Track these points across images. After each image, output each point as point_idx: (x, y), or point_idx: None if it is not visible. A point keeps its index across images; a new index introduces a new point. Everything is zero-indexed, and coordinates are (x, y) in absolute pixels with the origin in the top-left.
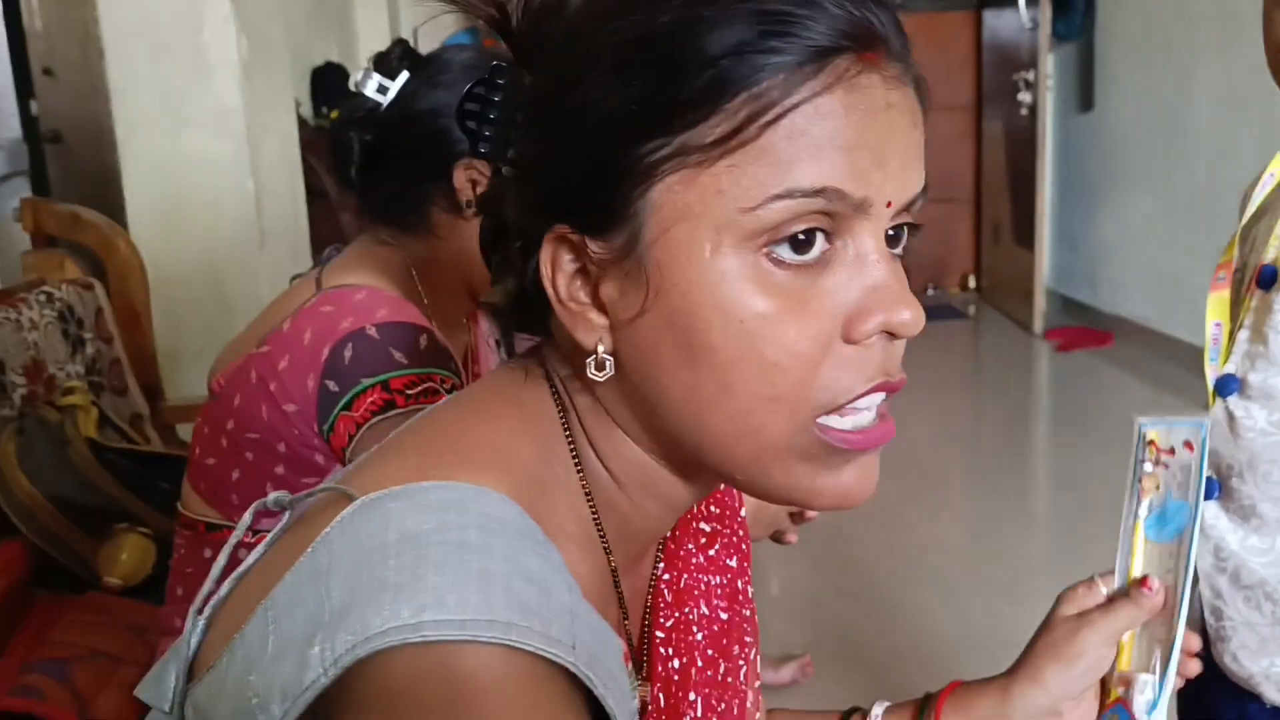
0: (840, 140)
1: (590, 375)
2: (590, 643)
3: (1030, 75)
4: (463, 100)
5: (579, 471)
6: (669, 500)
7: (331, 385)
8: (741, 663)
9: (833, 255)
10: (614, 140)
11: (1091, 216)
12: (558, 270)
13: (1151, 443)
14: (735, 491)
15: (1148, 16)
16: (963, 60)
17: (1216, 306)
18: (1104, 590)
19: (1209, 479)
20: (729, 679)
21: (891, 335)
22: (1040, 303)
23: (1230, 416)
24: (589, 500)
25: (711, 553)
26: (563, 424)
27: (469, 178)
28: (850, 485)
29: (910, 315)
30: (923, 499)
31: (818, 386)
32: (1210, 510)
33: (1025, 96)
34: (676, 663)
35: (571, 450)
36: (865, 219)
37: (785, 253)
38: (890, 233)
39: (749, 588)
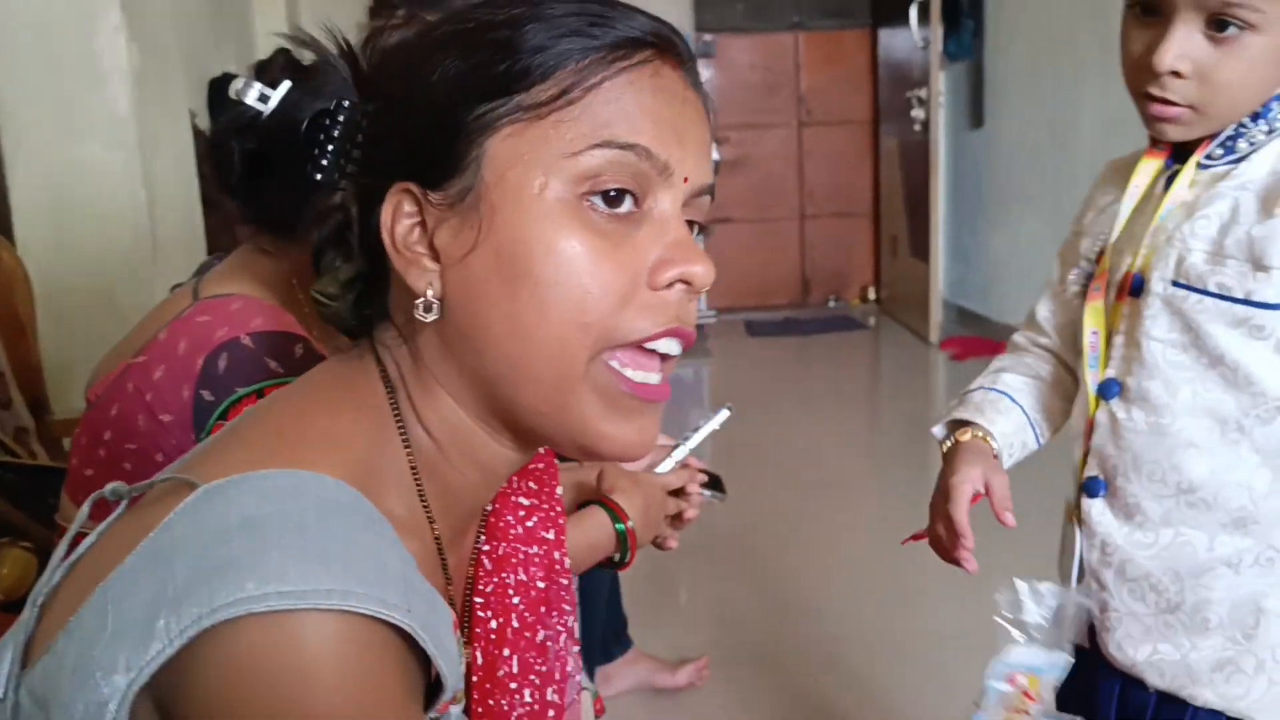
0: (649, 111)
1: (418, 317)
2: (424, 610)
3: (923, 93)
4: (308, 125)
5: (407, 449)
6: (487, 464)
7: (206, 395)
8: (560, 629)
9: (640, 216)
10: (457, 101)
11: (983, 230)
12: (397, 221)
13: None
14: (553, 473)
15: (1034, 38)
16: (859, 77)
17: (1093, 315)
18: None
19: (1094, 479)
20: (548, 643)
21: (687, 286)
22: (936, 314)
23: (1113, 419)
24: (416, 480)
25: (530, 524)
26: (391, 402)
27: None
28: (632, 437)
29: (703, 269)
30: (824, 504)
31: (621, 320)
32: (1096, 508)
33: (919, 113)
34: (495, 623)
35: (399, 427)
36: (667, 185)
37: (601, 203)
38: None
39: (565, 559)
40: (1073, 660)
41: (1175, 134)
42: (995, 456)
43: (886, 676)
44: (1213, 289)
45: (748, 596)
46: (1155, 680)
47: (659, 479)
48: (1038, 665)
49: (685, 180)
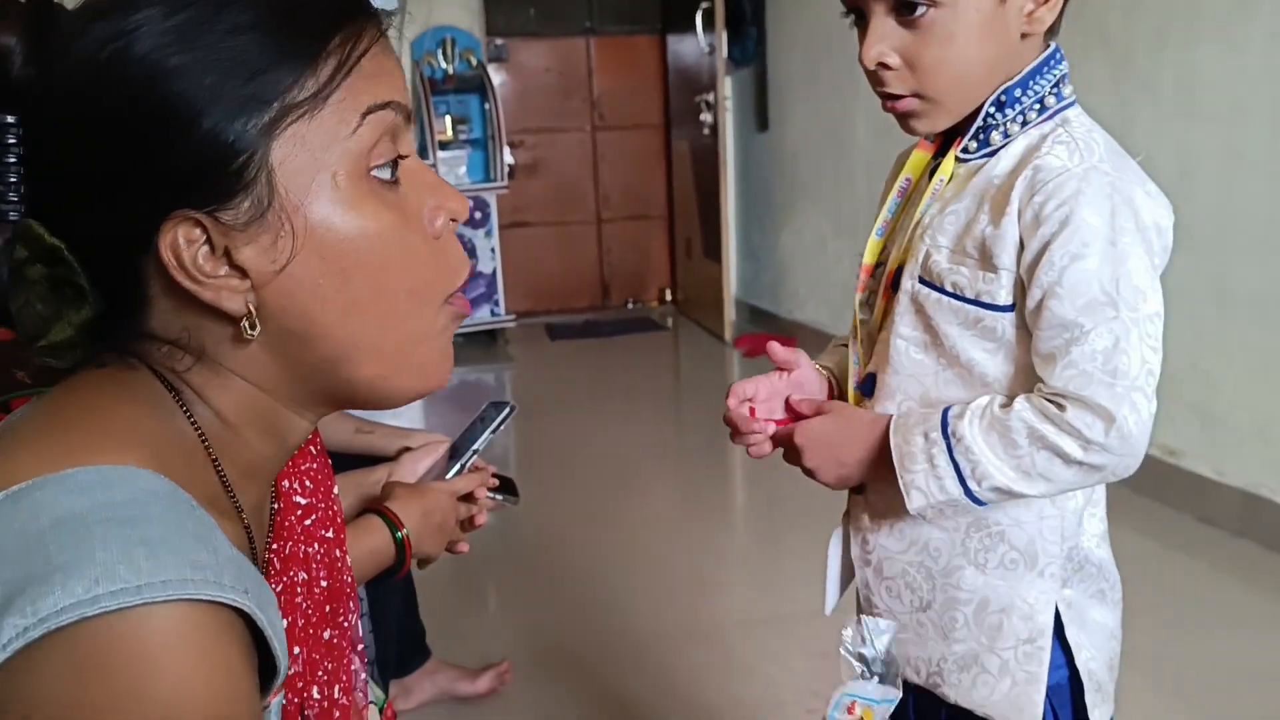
0: (386, 71)
1: (246, 336)
2: (257, 591)
3: (710, 97)
4: None
5: (199, 434)
6: (283, 436)
7: None
8: (345, 625)
9: (402, 174)
10: (221, 118)
11: (771, 230)
12: (181, 254)
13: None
14: (327, 471)
15: (811, 44)
16: (651, 82)
17: (858, 310)
18: None
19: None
20: (335, 641)
21: (453, 222)
22: (730, 313)
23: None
24: (215, 464)
25: (309, 523)
26: (175, 399)
27: None
28: (449, 367)
29: (458, 202)
30: (627, 502)
31: (442, 276)
32: (858, 505)
33: (707, 117)
34: (284, 621)
35: (191, 421)
36: (407, 133)
37: (383, 174)
38: None
39: (346, 557)
40: (899, 694)
41: (921, 127)
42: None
43: (689, 668)
44: (949, 288)
45: (553, 598)
46: (911, 676)
47: (446, 485)
48: (873, 698)
49: (410, 120)
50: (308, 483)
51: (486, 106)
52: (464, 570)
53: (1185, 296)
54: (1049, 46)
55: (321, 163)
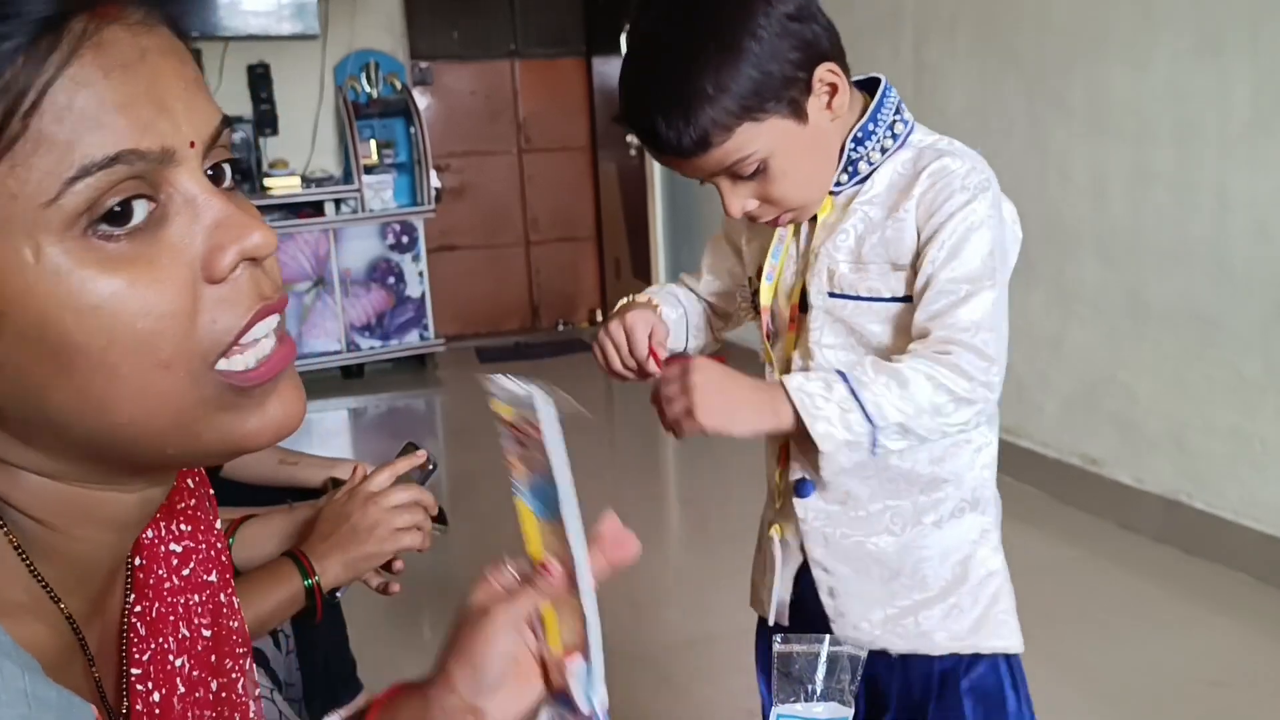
0: (112, 102)
1: None
2: (54, 715)
3: None
4: None
5: (8, 535)
6: (115, 519)
7: None
8: (236, 675)
9: (163, 212)
10: None
11: (700, 250)
12: None
13: (504, 421)
14: (207, 505)
15: None
16: (577, 104)
17: (771, 353)
18: (513, 572)
19: (802, 480)
20: (224, 694)
21: (254, 261)
22: None
23: None
24: (24, 560)
25: (186, 572)
26: None
27: None
28: (279, 416)
29: (260, 237)
30: None
31: (200, 336)
32: (811, 505)
33: (633, 139)
34: (157, 695)
35: None
36: (176, 167)
37: (108, 227)
38: (210, 172)
39: (234, 599)
40: (853, 708)
41: (801, 220)
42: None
43: (623, 691)
44: (863, 293)
45: None
46: (898, 646)
47: (354, 492)
48: (815, 717)
49: (192, 145)
50: (184, 525)
51: (412, 130)
52: (396, 600)
53: (1103, 308)
54: (868, 89)
55: (9, 236)
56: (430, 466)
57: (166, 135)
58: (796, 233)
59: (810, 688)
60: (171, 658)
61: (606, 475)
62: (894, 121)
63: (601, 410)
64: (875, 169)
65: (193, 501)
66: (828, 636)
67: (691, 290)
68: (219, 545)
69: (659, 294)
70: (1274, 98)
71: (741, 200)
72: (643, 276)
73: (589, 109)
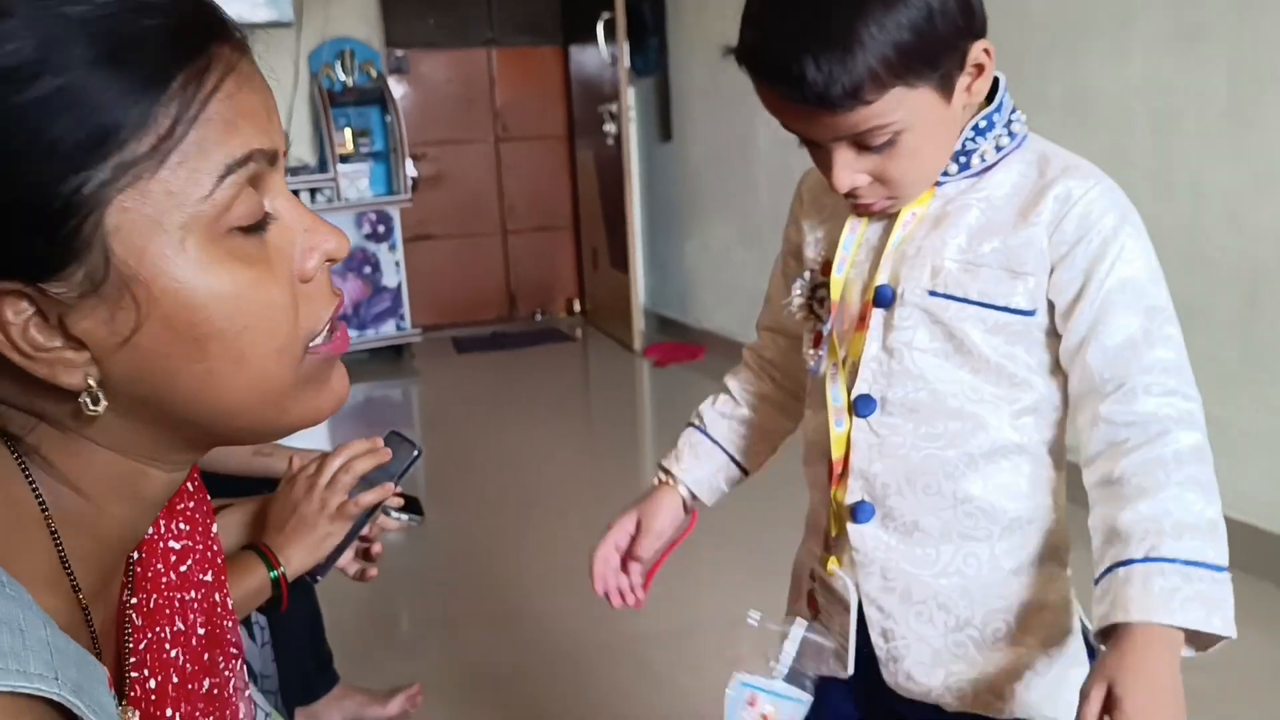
0: (246, 112)
1: (88, 412)
2: (74, 674)
3: (614, 107)
4: None
5: (42, 507)
6: (147, 497)
7: None
8: (228, 674)
9: (268, 219)
10: (40, 183)
11: (678, 239)
12: (8, 328)
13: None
14: (205, 509)
15: (713, 54)
16: (554, 93)
17: (835, 345)
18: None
19: (861, 503)
20: (215, 691)
21: (330, 261)
22: (638, 322)
23: (876, 436)
24: (54, 535)
25: (183, 569)
26: (19, 464)
27: None
28: (340, 389)
29: (337, 243)
30: (536, 516)
31: (304, 325)
32: (869, 533)
33: (610, 127)
34: (153, 682)
35: (33, 488)
36: (275, 172)
37: (244, 223)
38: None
39: (228, 600)
40: (811, 700)
41: (892, 211)
42: (685, 501)
43: (603, 682)
44: (974, 296)
45: (464, 617)
46: (952, 703)
47: (317, 478)
48: (778, 693)
49: (284, 154)
50: (183, 525)
51: (388, 119)
52: (372, 591)
53: None
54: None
55: (167, 227)
56: (416, 453)
57: (275, 139)
58: (870, 221)
59: (775, 666)
60: (167, 647)
61: (585, 466)
62: (1010, 120)
63: (580, 402)
64: (989, 166)
65: (191, 504)
66: (805, 622)
67: (756, 362)
68: (215, 548)
69: (694, 437)
70: (1250, 88)
71: (854, 173)
72: (620, 266)
73: (566, 97)
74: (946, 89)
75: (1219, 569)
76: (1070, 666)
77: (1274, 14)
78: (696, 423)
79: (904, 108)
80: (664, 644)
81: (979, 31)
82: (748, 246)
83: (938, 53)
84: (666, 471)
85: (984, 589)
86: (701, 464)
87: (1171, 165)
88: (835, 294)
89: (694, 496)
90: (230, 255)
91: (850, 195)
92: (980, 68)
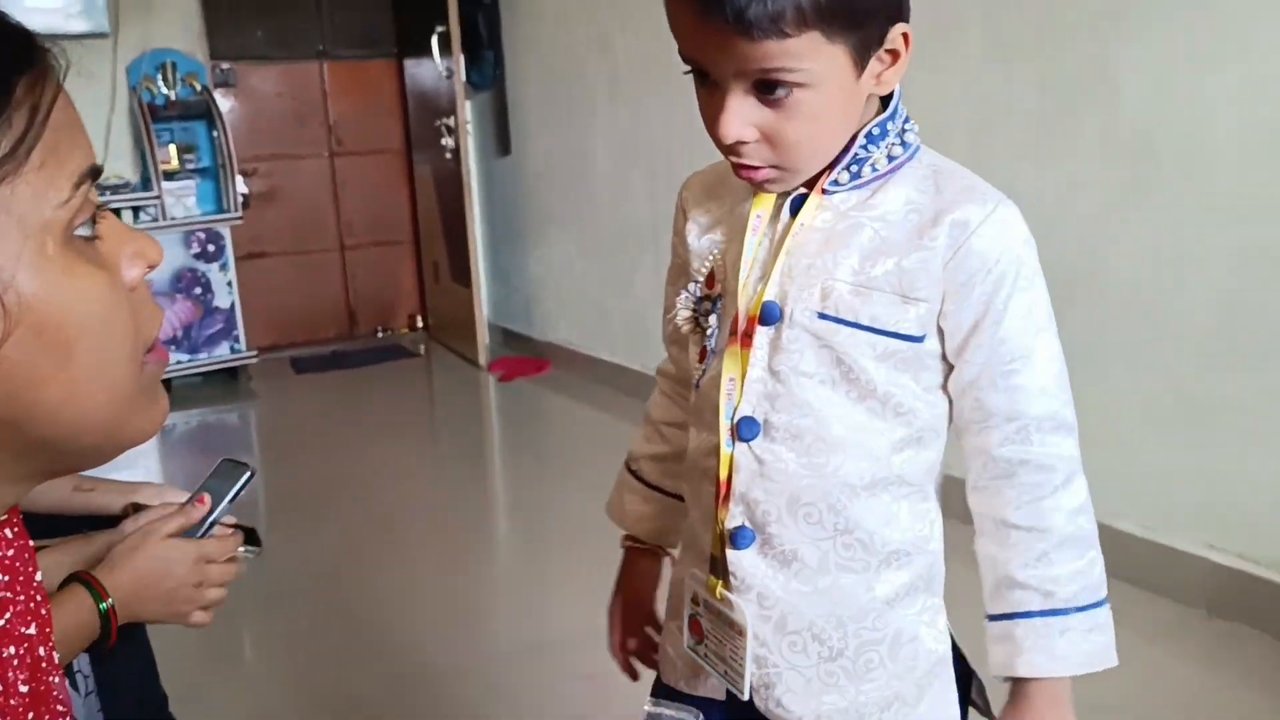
0: (75, 123)
1: None
2: None
3: (451, 121)
4: None
5: None
6: None
7: None
8: None
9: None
10: None
11: (520, 253)
12: None
13: None
14: (27, 556)
15: (548, 70)
16: (389, 106)
17: (730, 360)
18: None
19: (741, 528)
20: None
21: (148, 269)
22: (483, 337)
23: (759, 461)
24: None
25: (2, 623)
26: None
27: None
28: (164, 405)
29: (156, 250)
30: (383, 539)
31: (142, 331)
32: (748, 560)
33: (448, 141)
34: None
35: None
36: (94, 185)
37: (85, 231)
38: None
39: (54, 654)
40: None
41: (775, 189)
42: (655, 550)
43: (454, 704)
44: (865, 321)
45: (309, 648)
46: None
47: (191, 546)
48: None
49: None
50: (2, 575)
51: (215, 134)
52: (211, 627)
53: None
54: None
55: (31, 231)
56: (249, 473)
57: (97, 155)
58: (770, 223)
59: None
60: None
61: (432, 485)
62: (904, 130)
63: (425, 419)
64: (879, 175)
65: (10, 552)
66: (698, 712)
67: (666, 420)
68: (39, 598)
69: (627, 478)
70: (1056, 101)
71: (743, 122)
72: (462, 280)
73: (402, 111)
74: (861, 58)
75: (1103, 602)
76: (941, 693)
77: (1082, 35)
78: (634, 467)
79: (816, 59)
80: (515, 662)
81: (905, 16)
82: (589, 258)
83: (862, 12)
84: (627, 535)
85: (858, 620)
86: (652, 511)
87: (987, 174)
88: (755, 309)
89: (660, 546)
90: (83, 259)
91: (733, 153)
92: (895, 55)
